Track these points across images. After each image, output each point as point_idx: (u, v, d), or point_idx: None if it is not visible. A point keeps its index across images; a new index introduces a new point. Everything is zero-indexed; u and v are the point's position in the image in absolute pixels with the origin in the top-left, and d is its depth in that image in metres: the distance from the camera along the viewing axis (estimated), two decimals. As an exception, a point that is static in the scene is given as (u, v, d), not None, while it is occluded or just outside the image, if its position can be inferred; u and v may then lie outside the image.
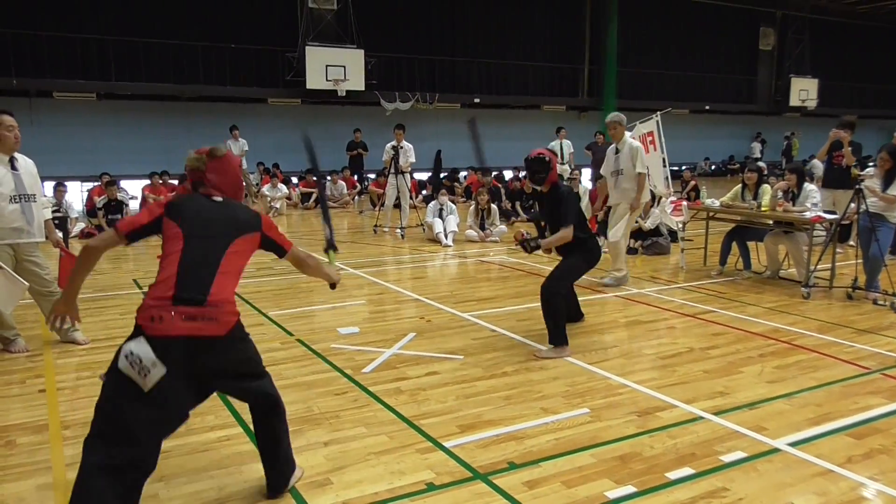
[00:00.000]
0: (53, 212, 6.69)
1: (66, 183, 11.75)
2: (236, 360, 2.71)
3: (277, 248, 2.99)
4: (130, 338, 2.53)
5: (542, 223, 5.40)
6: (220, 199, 2.87)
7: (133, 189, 14.07)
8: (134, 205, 13.29)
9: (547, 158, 5.12)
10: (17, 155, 4.92)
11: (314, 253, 3.70)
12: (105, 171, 13.29)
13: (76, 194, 14.75)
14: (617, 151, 7.22)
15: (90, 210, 11.86)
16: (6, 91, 14.65)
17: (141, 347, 2.46)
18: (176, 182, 13.88)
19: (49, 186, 11.47)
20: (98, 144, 16.52)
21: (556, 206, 5.13)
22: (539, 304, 5.05)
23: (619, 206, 7.25)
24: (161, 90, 17.15)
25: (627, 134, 7.29)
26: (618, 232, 7.18)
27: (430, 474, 3.17)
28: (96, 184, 13.02)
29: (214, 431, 3.63)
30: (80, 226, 11.29)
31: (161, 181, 13.77)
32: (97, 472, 2.42)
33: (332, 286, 3.34)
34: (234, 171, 2.96)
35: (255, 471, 3.16)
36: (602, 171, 7.59)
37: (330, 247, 3.58)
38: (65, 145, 16.14)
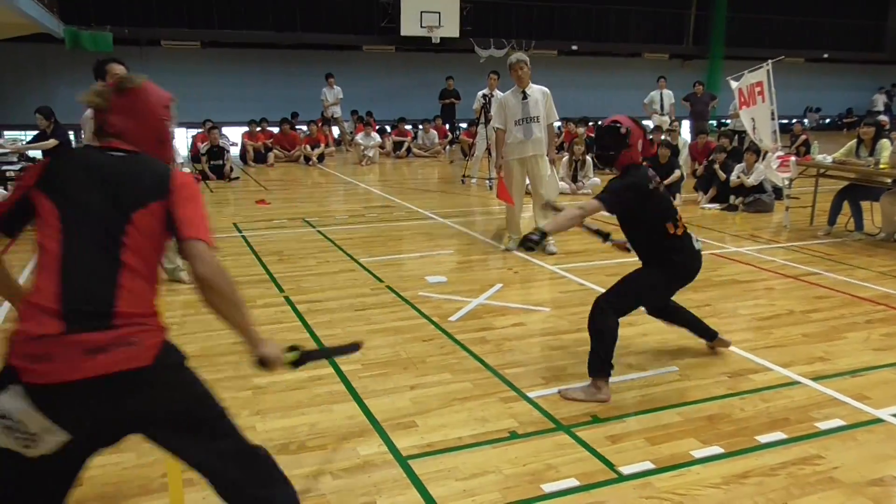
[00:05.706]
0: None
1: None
2: (172, 399, 1.78)
3: (176, 227, 1.81)
4: None
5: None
6: (121, 153, 1.89)
7: (234, 136, 14.60)
8: (235, 151, 13.78)
9: (623, 130, 3.54)
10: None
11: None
12: (208, 117, 13.82)
13: (182, 140, 15.46)
14: (524, 97, 6.36)
15: (194, 156, 12.40)
16: (119, 40, 15.38)
17: (16, 404, 1.61)
18: (276, 129, 14.31)
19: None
20: (202, 91, 17.16)
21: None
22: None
23: (540, 165, 6.47)
24: (260, 38, 17.64)
25: (735, 84, 6.86)
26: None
27: (513, 423, 3.21)
28: (200, 130, 13.57)
29: (307, 371, 3.78)
30: (186, 171, 11.84)
31: (259, 128, 14.21)
32: None
33: (259, 361, 1.94)
34: (151, 112, 1.99)
35: (345, 410, 3.32)
36: (497, 123, 6.56)
37: (303, 358, 2.11)
38: (172, 92, 16.64)
